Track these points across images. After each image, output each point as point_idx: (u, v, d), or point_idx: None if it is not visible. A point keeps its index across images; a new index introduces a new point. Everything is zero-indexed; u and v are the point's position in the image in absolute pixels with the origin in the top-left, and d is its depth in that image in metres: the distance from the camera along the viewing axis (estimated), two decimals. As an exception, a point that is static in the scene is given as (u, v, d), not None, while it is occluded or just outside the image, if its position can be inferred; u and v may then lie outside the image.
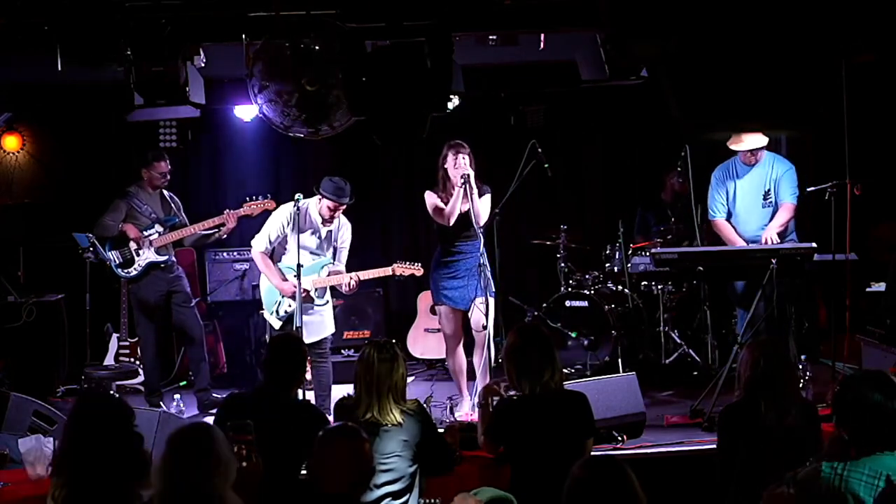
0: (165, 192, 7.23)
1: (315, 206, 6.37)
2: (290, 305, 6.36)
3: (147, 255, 6.97)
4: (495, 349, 6.36)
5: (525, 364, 4.36)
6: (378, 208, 9.07)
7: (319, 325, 6.45)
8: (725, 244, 6.72)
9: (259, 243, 6.45)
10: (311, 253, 6.40)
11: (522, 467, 4.31)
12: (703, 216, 7.16)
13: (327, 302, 6.51)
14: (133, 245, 6.97)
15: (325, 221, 6.35)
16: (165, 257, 7.04)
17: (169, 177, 7.16)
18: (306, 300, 6.29)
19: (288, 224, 6.35)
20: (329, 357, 6.56)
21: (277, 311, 6.45)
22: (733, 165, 6.76)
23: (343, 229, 6.52)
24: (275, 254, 6.55)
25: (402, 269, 6.45)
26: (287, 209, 6.40)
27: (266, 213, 6.66)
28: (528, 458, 4.28)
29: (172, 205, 7.21)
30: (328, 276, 6.42)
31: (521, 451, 4.32)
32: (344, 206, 6.34)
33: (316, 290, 6.39)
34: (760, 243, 6.48)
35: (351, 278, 6.34)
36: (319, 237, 6.41)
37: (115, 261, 7.01)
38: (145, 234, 6.98)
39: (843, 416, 3.46)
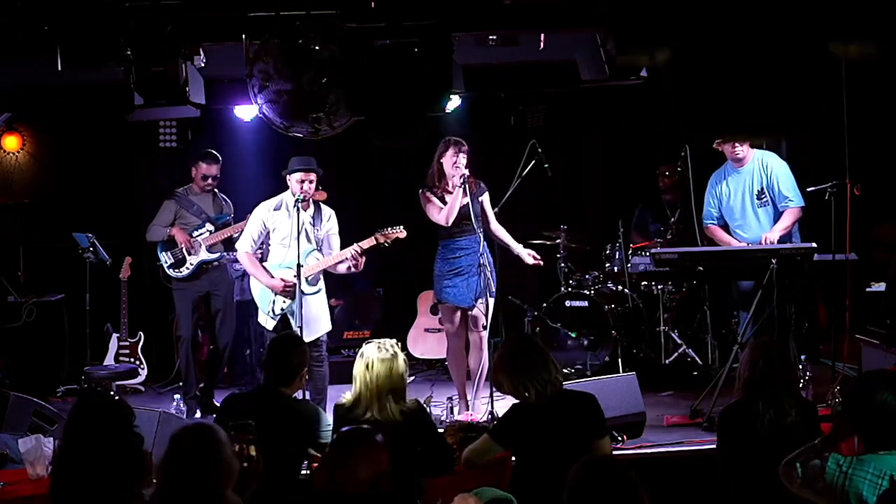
0: (218, 192, 7.21)
1: (290, 195, 6.27)
2: (284, 302, 6.24)
3: (199, 255, 6.99)
4: (493, 349, 6.34)
5: (523, 370, 4.30)
6: (377, 208, 9.06)
7: (314, 322, 6.23)
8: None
9: (243, 244, 6.39)
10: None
11: (529, 469, 4.28)
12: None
13: (319, 290, 6.33)
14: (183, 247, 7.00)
15: (304, 204, 6.17)
16: (217, 255, 7.05)
17: (212, 181, 7.08)
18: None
19: (269, 220, 6.31)
20: (326, 359, 6.37)
21: (273, 311, 6.29)
22: (724, 171, 6.76)
23: (326, 215, 6.37)
24: (263, 253, 6.57)
25: (385, 236, 6.24)
26: (266, 206, 6.35)
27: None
28: (536, 460, 4.23)
29: (224, 204, 7.20)
30: (325, 258, 6.26)
31: (531, 453, 4.27)
32: (314, 176, 6.18)
33: (307, 278, 6.19)
34: (760, 243, 6.48)
35: (353, 252, 6.15)
36: (302, 225, 6.23)
37: (166, 262, 7.02)
38: (195, 234, 7.00)
39: (852, 414, 3.47)
